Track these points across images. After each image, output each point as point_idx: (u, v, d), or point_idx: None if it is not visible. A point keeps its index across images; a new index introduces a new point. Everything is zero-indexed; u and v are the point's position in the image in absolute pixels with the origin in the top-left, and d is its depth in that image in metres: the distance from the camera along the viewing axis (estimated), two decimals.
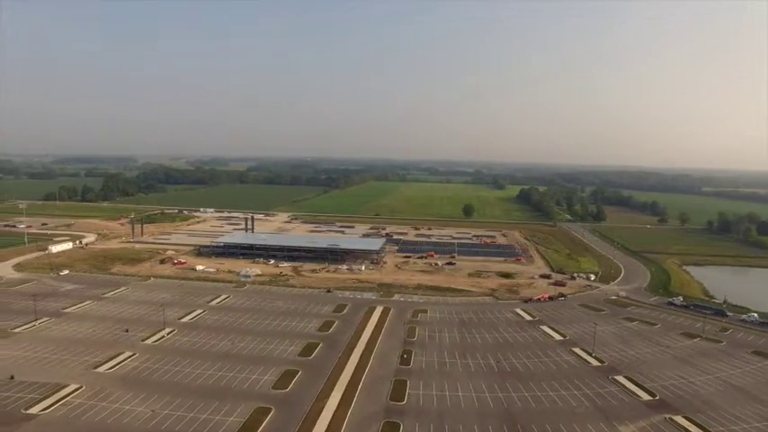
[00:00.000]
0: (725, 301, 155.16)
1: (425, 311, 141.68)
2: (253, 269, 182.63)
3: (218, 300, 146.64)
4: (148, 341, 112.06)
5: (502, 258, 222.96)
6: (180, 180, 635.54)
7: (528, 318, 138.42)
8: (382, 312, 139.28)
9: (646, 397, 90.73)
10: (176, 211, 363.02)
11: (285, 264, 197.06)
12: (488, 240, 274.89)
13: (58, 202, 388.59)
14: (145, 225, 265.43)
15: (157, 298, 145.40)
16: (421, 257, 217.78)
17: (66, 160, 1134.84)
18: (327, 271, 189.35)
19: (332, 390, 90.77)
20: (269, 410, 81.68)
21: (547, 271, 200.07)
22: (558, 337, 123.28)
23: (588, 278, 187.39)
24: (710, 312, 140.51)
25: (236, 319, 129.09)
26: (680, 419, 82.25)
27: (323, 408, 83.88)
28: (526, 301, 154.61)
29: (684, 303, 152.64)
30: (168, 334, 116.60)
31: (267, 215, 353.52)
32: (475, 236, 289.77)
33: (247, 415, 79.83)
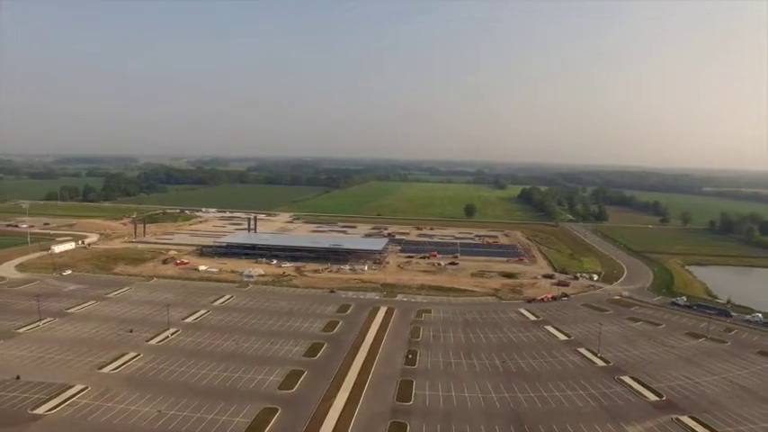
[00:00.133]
0: (729, 302, 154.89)
1: (429, 312, 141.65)
2: (255, 269, 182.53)
3: (221, 300, 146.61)
4: (153, 341, 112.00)
5: (504, 258, 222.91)
6: (181, 180, 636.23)
7: (532, 318, 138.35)
8: (386, 312, 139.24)
9: (652, 397, 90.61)
10: (178, 210, 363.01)
11: (288, 264, 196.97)
12: (491, 240, 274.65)
13: (59, 202, 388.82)
14: (147, 225, 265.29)
15: (161, 298, 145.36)
16: (423, 257, 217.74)
17: (66, 160, 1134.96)
18: (330, 271, 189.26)
19: (338, 390, 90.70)
20: (275, 411, 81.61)
21: (550, 271, 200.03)
22: (562, 337, 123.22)
23: (591, 278, 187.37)
24: (714, 312, 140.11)
25: (240, 320, 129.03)
26: (687, 420, 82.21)
27: (329, 408, 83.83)
28: (529, 301, 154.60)
29: (688, 303, 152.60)
30: (172, 334, 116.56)
31: (269, 215, 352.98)
32: (477, 236, 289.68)
33: (254, 415, 79.79)
